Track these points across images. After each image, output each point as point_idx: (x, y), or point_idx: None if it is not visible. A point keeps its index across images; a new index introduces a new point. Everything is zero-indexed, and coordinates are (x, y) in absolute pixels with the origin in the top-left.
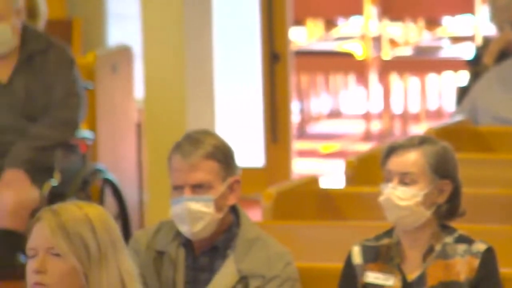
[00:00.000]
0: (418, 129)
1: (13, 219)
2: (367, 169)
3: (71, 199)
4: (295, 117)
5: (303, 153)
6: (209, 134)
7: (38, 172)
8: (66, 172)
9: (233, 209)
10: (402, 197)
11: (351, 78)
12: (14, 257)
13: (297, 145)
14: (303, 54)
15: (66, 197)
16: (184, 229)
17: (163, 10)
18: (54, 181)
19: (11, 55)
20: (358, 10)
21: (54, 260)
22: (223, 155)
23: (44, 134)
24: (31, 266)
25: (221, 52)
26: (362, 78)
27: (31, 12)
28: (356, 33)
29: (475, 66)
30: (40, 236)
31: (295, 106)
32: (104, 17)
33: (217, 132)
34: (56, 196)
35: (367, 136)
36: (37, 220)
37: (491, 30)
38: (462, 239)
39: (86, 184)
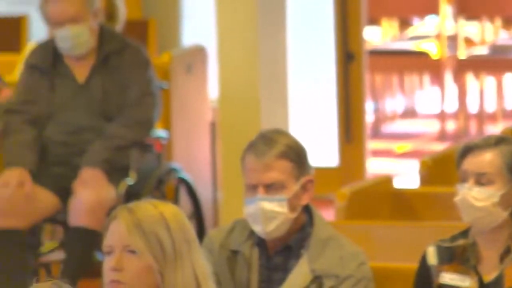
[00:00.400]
0: (494, 129)
1: (90, 217)
2: (441, 169)
3: (146, 198)
4: (369, 117)
5: (377, 153)
6: (282, 133)
7: (114, 171)
8: (141, 171)
9: (307, 209)
10: (478, 198)
11: (426, 78)
12: (91, 255)
13: (371, 145)
14: (377, 53)
15: (142, 196)
16: (258, 228)
17: (237, 10)
18: (130, 180)
19: (89, 56)
20: (434, 10)
21: (130, 257)
22: (296, 155)
23: (120, 133)
24: (107, 263)
25: (294, 52)
26: (437, 78)
27: (110, 14)
28: (431, 32)
29: None
30: (116, 234)
31: (369, 106)
32: (179, 18)
33: (291, 131)
34: (131, 195)
35: (442, 136)
36: (113, 218)
37: None
38: None
39: (161, 183)
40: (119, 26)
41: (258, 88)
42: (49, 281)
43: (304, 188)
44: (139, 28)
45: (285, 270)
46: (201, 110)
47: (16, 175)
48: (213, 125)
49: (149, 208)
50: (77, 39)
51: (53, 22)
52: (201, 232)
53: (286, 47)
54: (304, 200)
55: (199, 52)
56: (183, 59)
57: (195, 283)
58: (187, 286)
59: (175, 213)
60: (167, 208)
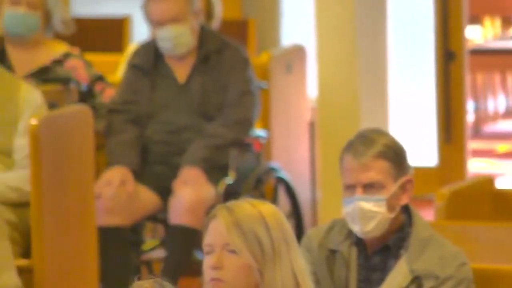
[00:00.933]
0: None
1: (190, 216)
2: None
3: (245, 197)
4: (469, 117)
5: (478, 153)
6: (381, 133)
7: (214, 170)
8: (240, 171)
9: (405, 209)
10: None
11: None
12: (192, 253)
13: (472, 145)
14: (479, 52)
15: (240, 195)
16: (356, 228)
17: (336, 10)
18: (229, 179)
19: (189, 55)
20: None
21: (230, 256)
22: (395, 155)
23: (220, 133)
24: (207, 262)
25: (394, 50)
26: None
27: (207, 13)
28: None
29: None
30: (216, 233)
31: (469, 106)
32: (278, 17)
33: (390, 131)
34: (230, 194)
35: None
36: (213, 217)
37: None
38: None
39: (260, 182)
40: (215, 24)
41: (358, 87)
42: (150, 279)
43: (403, 188)
44: (238, 28)
45: (384, 270)
46: (300, 109)
47: (118, 174)
48: (312, 125)
49: (248, 207)
50: (178, 39)
51: (155, 22)
52: (299, 232)
53: (386, 46)
54: (403, 200)
55: (298, 52)
56: (282, 59)
57: (294, 281)
58: (286, 284)
59: (273, 212)
60: (266, 207)
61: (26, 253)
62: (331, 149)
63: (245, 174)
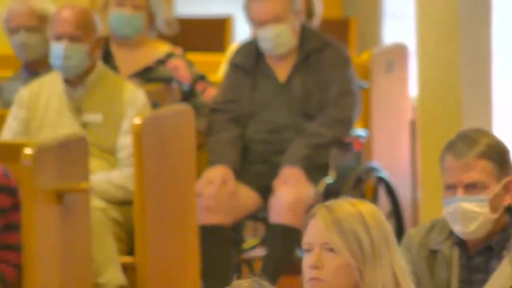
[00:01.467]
0: None
1: (290, 215)
2: None
3: (345, 197)
4: None
5: None
6: (483, 133)
7: (314, 169)
8: (340, 170)
9: (509, 210)
10: None
11: None
12: (292, 252)
13: None
14: None
15: (340, 194)
16: (457, 228)
17: (437, 8)
18: (329, 179)
19: (290, 54)
20: None
21: (329, 255)
22: (498, 155)
23: (320, 132)
24: (307, 261)
25: (498, 48)
26: None
27: (308, 11)
28: None
29: None
30: (315, 232)
31: None
32: (380, 16)
33: (494, 130)
34: (330, 193)
35: None
36: (312, 216)
37: None
38: None
39: (360, 182)
40: (316, 22)
41: (460, 87)
42: (249, 278)
43: (506, 188)
44: (340, 27)
45: (486, 271)
46: (401, 108)
47: (219, 173)
48: (413, 124)
49: (347, 206)
50: (279, 39)
51: (256, 21)
52: (400, 231)
53: (490, 43)
54: (506, 200)
55: (400, 50)
56: (383, 58)
57: (394, 281)
58: (386, 284)
59: (373, 211)
60: (365, 207)
61: (130, 250)
62: (432, 148)
63: (345, 174)
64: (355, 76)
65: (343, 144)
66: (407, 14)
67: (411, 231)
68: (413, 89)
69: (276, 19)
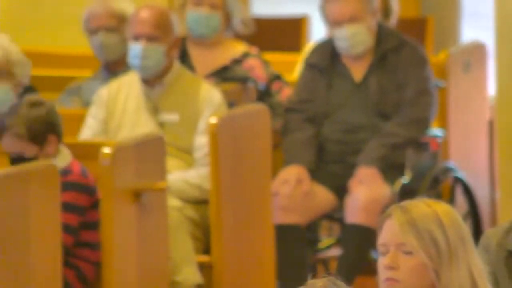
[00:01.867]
0: None
1: (366, 215)
2: None
3: (421, 197)
4: None
5: None
6: None
7: (390, 169)
8: (417, 170)
9: None
10: None
11: None
12: (367, 252)
13: None
14: None
15: (417, 194)
16: None
17: None
18: (405, 179)
19: (366, 54)
20: None
21: (404, 256)
22: None
23: (396, 132)
24: (382, 261)
25: None
26: None
27: (384, 10)
28: None
29: None
30: (390, 233)
31: None
32: (458, 15)
33: None
34: (406, 193)
35: None
36: (387, 216)
37: None
38: None
39: (436, 182)
40: (393, 21)
41: None
42: (324, 278)
43: None
44: (417, 26)
45: None
46: (479, 108)
47: (294, 173)
48: (491, 124)
49: (422, 206)
50: (355, 39)
51: (332, 21)
52: (477, 232)
53: None
54: None
55: (478, 49)
56: (461, 57)
57: (471, 282)
58: (463, 285)
59: (448, 211)
60: (441, 207)
61: (206, 249)
62: (510, 148)
63: (422, 174)
64: (432, 75)
65: (420, 144)
66: (485, 12)
67: (489, 232)
68: (491, 88)
69: (352, 19)
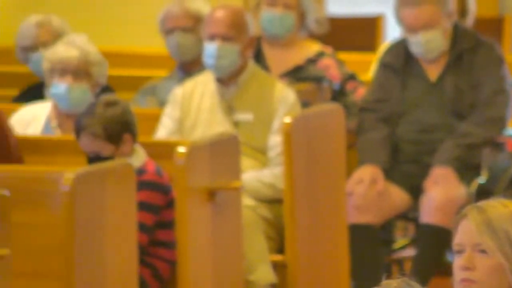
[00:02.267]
0: None
1: (441, 215)
2: None
3: (498, 197)
4: None
5: None
6: None
7: (465, 169)
8: (493, 170)
9: None
10: None
11: None
12: (443, 252)
13: None
14: None
15: (493, 194)
16: None
17: None
18: (482, 179)
19: (442, 55)
20: None
21: (481, 257)
22: None
23: (472, 131)
24: (458, 262)
25: None
26: None
27: (461, 10)
28: None
29: None
30: (466, 233)
31: None
32: None
33: None
34: (483, 194)
35: None
36: (463, 217)
37: None
38: None
39: None
40: (469, 21)
41: None
42: (398, 278)
43: None
44: (494, 26)
45: None
46: None
47: (369, 172)
48: None
49: (499, 207)
50: (430, 45)
51: (407, 27)
52: None
53: None
54: None
55: None
56: None
57: None
58: None
59: None
60: None
61: (280, 249)
62: None
63: (498, 174)
64: (508, 75)
65: (496, 144)
66: None
67: None
68: None
69: (427, 25)
